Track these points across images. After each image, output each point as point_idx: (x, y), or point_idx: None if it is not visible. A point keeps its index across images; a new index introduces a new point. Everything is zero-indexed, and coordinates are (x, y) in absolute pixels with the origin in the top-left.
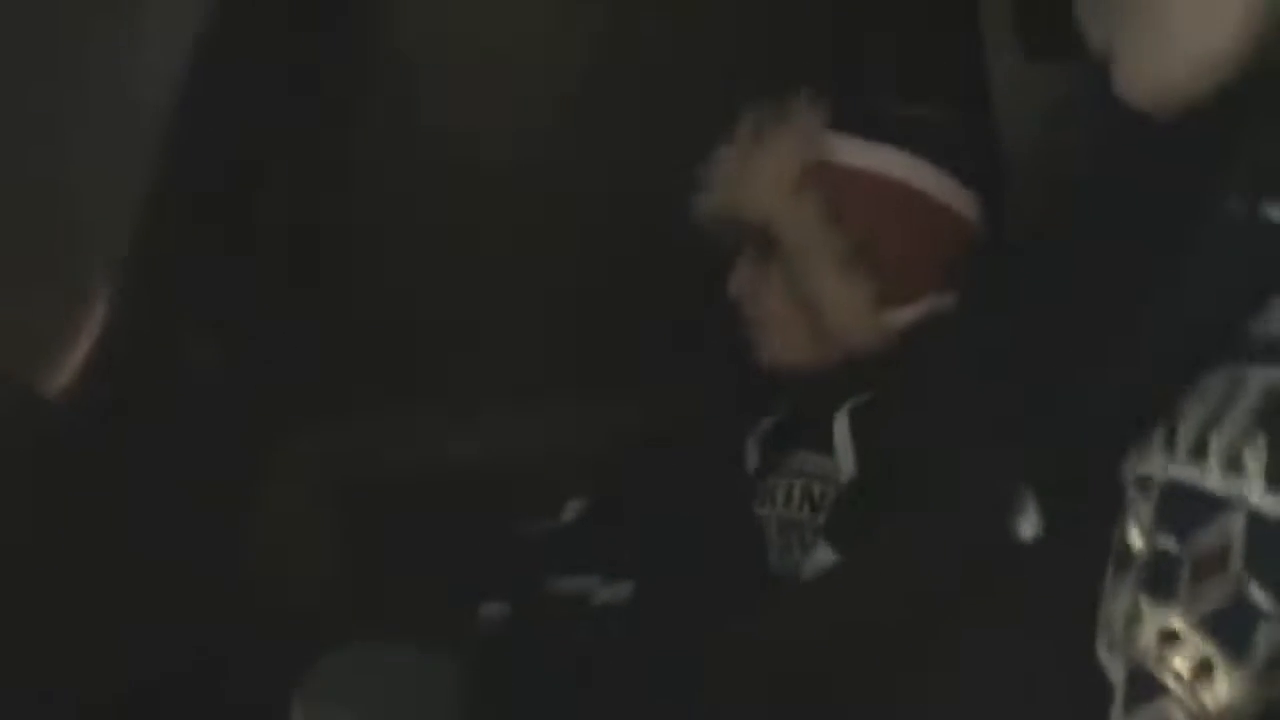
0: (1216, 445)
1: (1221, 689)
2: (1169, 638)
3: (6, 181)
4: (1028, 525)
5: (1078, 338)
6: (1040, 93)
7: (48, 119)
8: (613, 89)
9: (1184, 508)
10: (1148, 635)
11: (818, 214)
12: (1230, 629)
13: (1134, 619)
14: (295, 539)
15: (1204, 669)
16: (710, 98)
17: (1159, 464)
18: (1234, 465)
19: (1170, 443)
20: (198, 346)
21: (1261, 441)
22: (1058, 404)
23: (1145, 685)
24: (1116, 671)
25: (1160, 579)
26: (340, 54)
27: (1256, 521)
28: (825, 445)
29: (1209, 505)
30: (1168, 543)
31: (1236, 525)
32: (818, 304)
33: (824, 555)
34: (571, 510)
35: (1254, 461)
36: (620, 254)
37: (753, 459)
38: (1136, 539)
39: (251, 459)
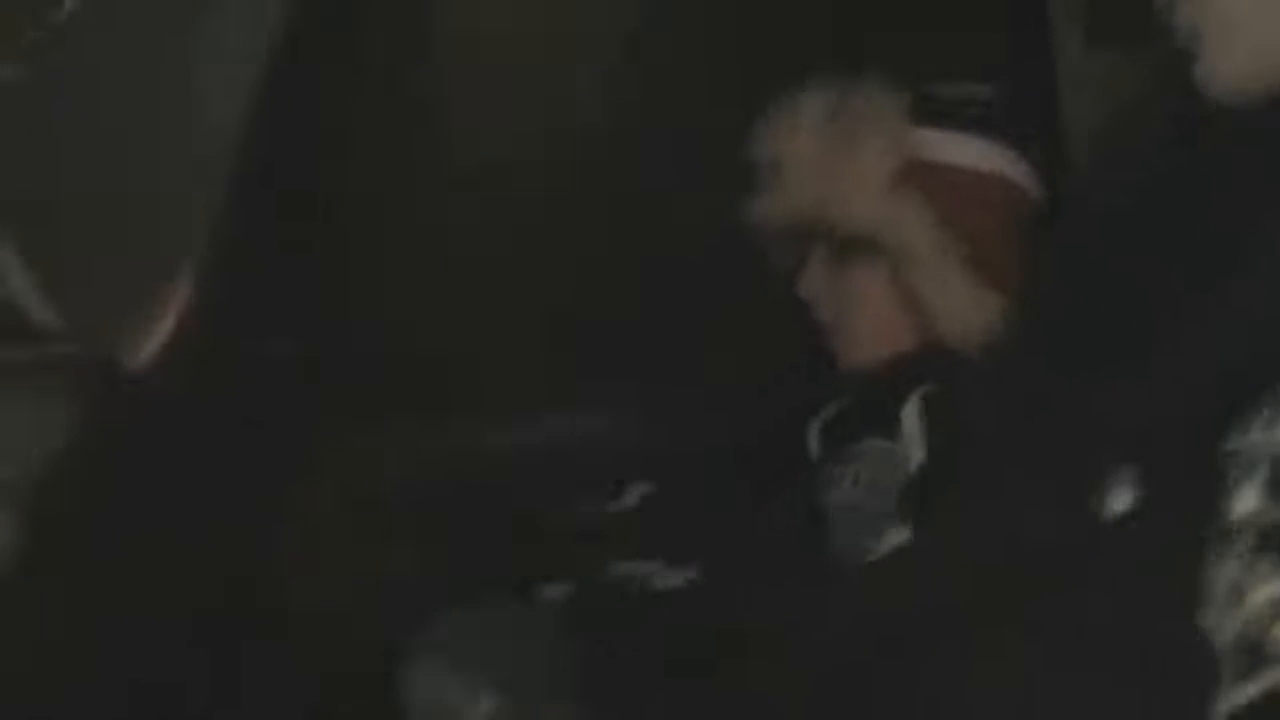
0: None
1: None
2: (1278, 606)
3: (97, 182)
4: (1119, 500)
5: (1169, 314)
6: (1103, 77)
7: (129, 121)
8: (617, 88)
9: None
10: (1256, 604)
11: (926, 217)
12: None
13: (1241, 589)
14: (333, 538)
15: None
16: (721, 95)
17: (1262, 439)
18: None
19: (1273, 421)
20: (268, 344)
21: None
22: (1152, 381)
23: (1253, 654)
24: (1223, 642)
25: (1270, 548)
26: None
27: None
28: (891, 431)
29: None
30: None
31: None
32: (939, 310)
33: (900, 537)
34: (633, 494)
35: None
36: (656, 250)
37: (815, 446)
38: (1243, 510)
39: (300, 456)
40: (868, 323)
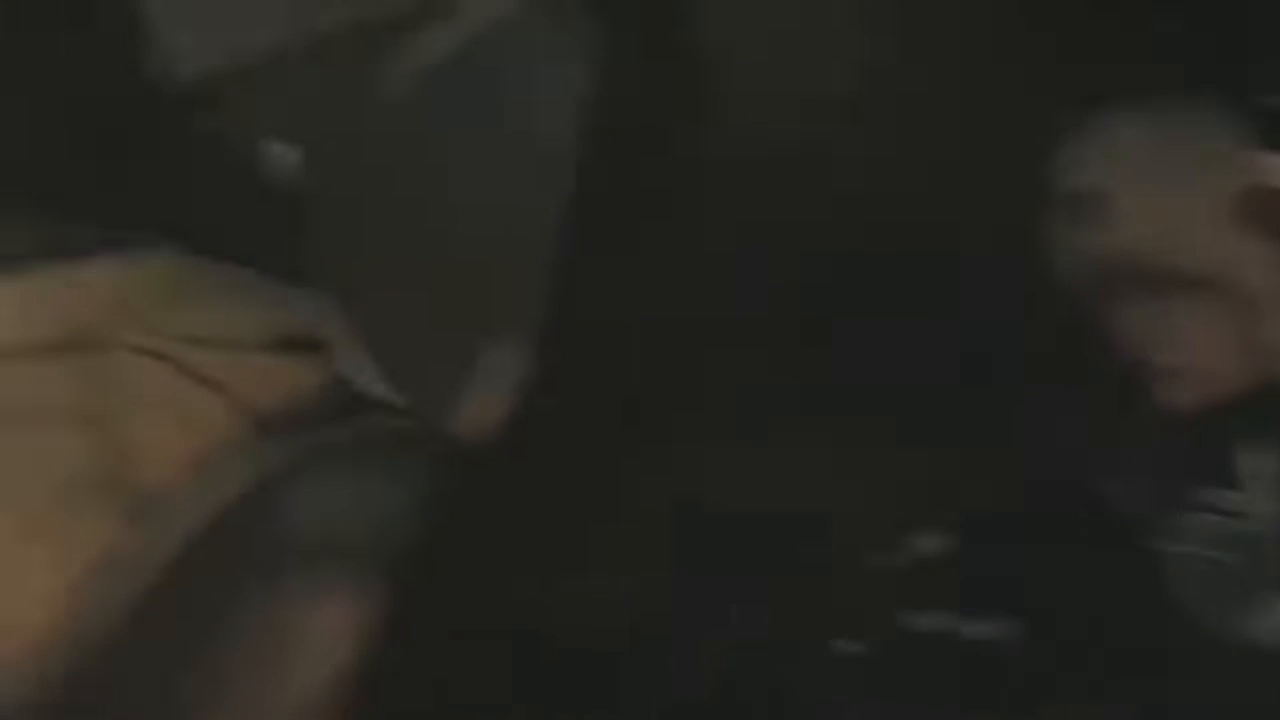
0: None
1: None
2: None
3: (425, 251)
4: None
5: None
6: None
7: (459, 192)
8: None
9: None
10: None
11: (1273, 253)
12: None
13: None
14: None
15: None
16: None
17: None
18: None
19: None
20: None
21: None
22: None
23: None
24: None
25: None
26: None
27: None
28: (1233, 480)
29: None
30: None
31: None
32: None
33: None
34: (927, 542)
35: None
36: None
37: (1142, 492)
38: None
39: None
40: (1198, 363)
